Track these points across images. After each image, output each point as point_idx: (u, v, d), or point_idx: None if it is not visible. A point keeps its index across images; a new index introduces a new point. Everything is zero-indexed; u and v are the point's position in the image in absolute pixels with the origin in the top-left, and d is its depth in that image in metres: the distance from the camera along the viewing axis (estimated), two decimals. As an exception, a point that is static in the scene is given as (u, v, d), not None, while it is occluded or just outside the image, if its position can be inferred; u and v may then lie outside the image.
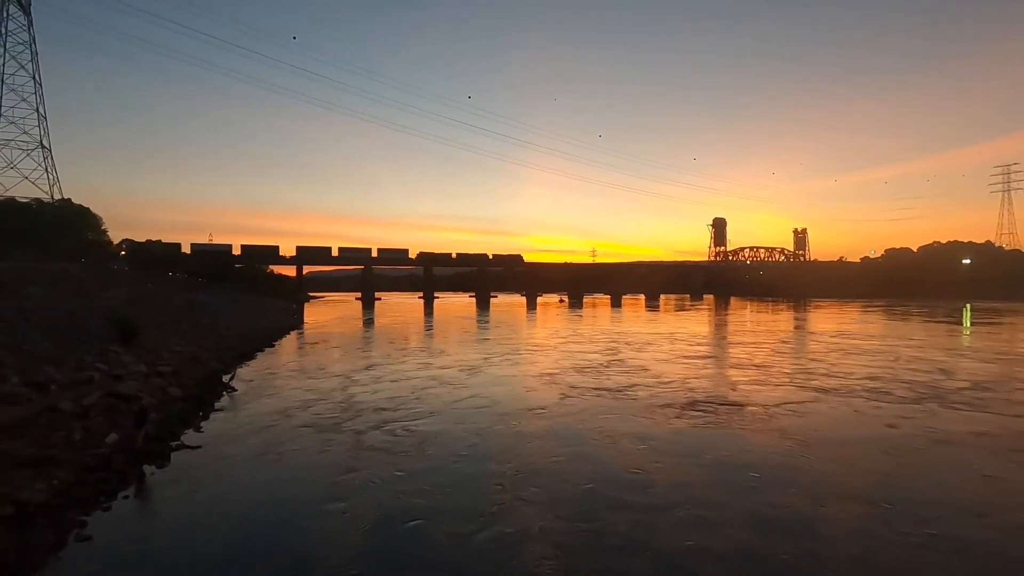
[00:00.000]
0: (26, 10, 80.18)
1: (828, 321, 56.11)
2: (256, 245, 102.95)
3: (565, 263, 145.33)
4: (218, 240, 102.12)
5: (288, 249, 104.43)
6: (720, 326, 51.87)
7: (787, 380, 21.85)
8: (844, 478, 10.51)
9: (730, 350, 32.84)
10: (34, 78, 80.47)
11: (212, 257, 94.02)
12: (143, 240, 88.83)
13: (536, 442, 12.90)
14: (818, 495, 9.60)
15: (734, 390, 19.72)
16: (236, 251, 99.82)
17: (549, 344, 35.50)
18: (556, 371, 23.78)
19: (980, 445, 12.88)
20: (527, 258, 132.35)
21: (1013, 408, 16.88)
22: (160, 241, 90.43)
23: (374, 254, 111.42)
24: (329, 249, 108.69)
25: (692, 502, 9.23)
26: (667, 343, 35.28)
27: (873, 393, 19.14)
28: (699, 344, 35.16)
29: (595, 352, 30.47)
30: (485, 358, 28.06)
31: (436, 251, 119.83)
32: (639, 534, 8.01)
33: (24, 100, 79.77)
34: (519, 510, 8.81)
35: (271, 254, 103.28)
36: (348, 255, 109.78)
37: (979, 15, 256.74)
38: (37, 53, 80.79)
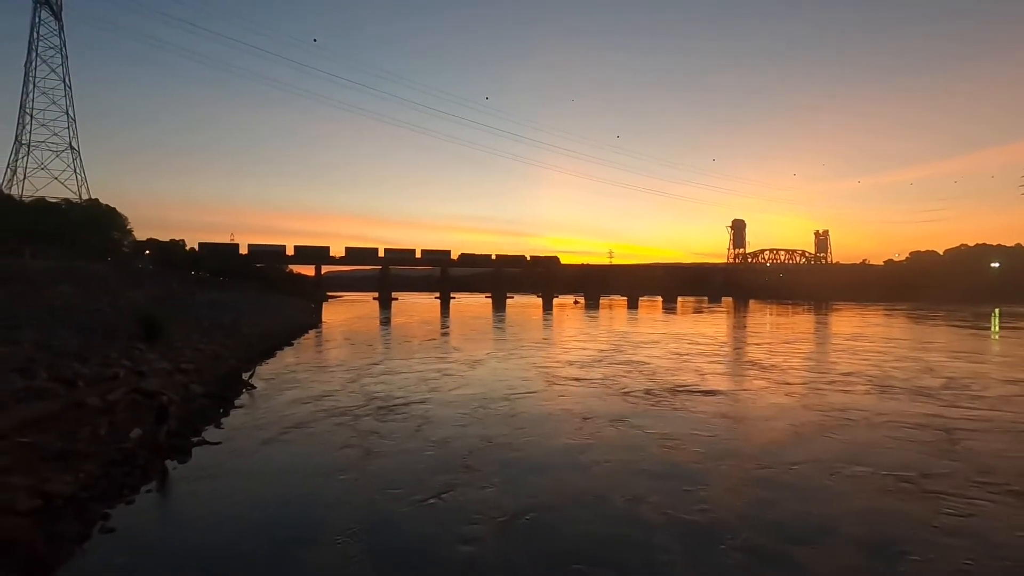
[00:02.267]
0: (57, 15, 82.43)
1: (842, 324, 55.73)
2: (309, 246, 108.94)
3: (582, 264, 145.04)
4: (239, 239, 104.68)
5: (338, 250, 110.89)
6: (730, 327, 51.86)
7: (762, 373, 23.22)
8: (745, 446, 12.71)
9: (727, 349, 33.33)
10: (64, 81, 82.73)
11: (268, 257, 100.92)
12: (167, 240, 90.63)
13: (508, 419, 15.03)
14: (717, 456, 11.77)
15: (707, 381, 21.14)
16: (290, 251, 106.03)
17: (555, 342, 36.44)
18: (553, 365, 25.45)
19: (875, 424, 14.70)
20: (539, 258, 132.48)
21: (960, 400, 17.72)
22: (183, 241, 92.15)
23: (418, 255, 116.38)
24: (376, 250, 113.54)
25: (612, 461, 11.44)
26: (670, 342, 35.86)
27: (833, 386, 20.34)
28: (700, 343, 35.42)
29: (596, 349, 31.45)
30: (490, 354, 29.48)
31: (475, 252, 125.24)
32: (561, 487, 9.95)
33: (54, 103, 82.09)
34: (477, 471, 10.65)
35: (323, 254, 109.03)
36: (393, 255, 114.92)
37: (1006, 15, 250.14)
38: (67, 57, 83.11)
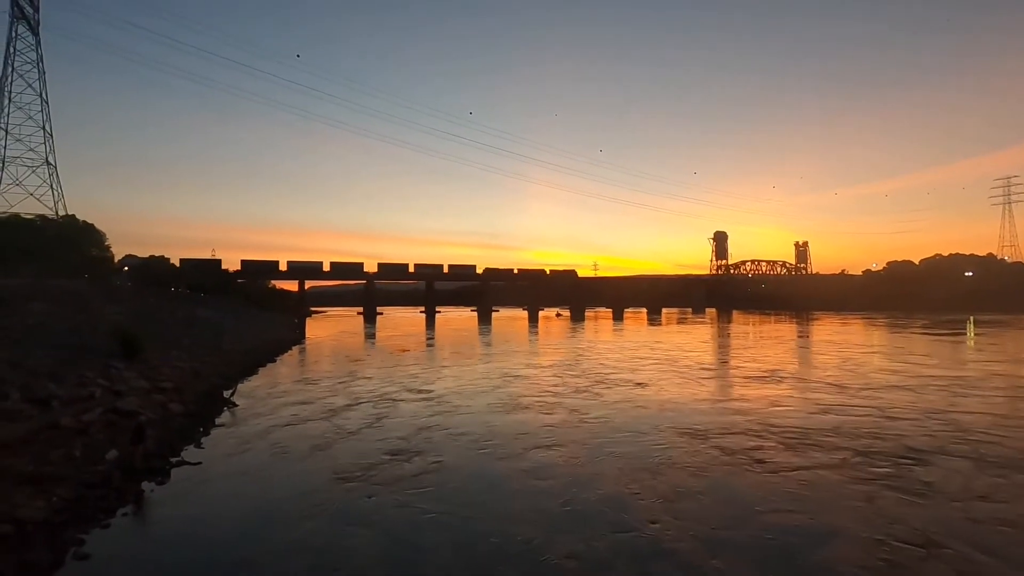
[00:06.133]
0: (34, 30, 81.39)
1: (814, 331, 57.67)
2: (343, 262, 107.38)
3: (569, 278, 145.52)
4: (220, 254, 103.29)
5: (371, 266, 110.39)
6: (703, 336, 53.36)
7: (694, 372, 26.25)
8: (615, 415, 16.63)
9: (686, 354, 34.99)
10: (41, 96, 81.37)
11: (258, 272, 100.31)
12: (146, 256, 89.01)
13: (453, 408, 18.14)
14: (586, 422, 15.69)
15: (637, 378, 23.82)
16: (326, 267, 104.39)
17: (530, 351, 38.35)
18: (516, 367, 29.17)
19: (736, 402, 18.25)
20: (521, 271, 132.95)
21: (848, 390, 20.23)
22: (163, 257, 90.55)
23: (445, 270, 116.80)
24: (406, 266, 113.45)
25: (511, 431, 14.94)
26: (637, 349, 37.94)
27: (743, 381, 23.19)
28: (664, 350, 37.29)
29: (563, 357, 33.77)
30: (465, 362, 31.75)
31: (499, 267, 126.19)
32: (463, 449, 13.28)
33: (30, 118, 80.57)
34: (412, 445, 13.62)
35: (357, 270, 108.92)
36: (422, 271, 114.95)
37: (979, 28, 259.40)
38: (44, 72, 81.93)
